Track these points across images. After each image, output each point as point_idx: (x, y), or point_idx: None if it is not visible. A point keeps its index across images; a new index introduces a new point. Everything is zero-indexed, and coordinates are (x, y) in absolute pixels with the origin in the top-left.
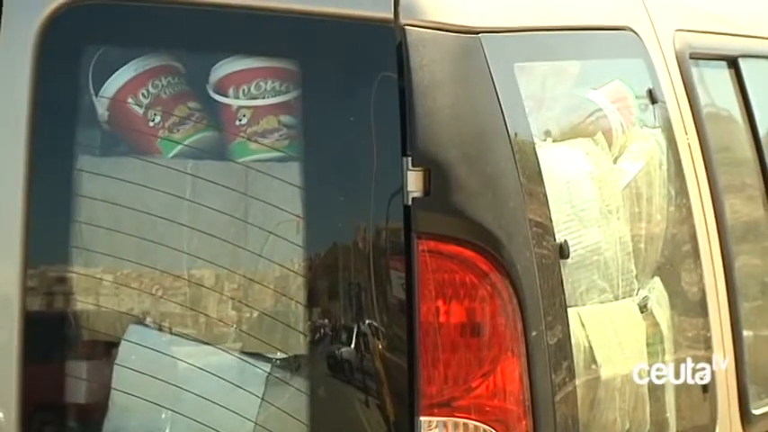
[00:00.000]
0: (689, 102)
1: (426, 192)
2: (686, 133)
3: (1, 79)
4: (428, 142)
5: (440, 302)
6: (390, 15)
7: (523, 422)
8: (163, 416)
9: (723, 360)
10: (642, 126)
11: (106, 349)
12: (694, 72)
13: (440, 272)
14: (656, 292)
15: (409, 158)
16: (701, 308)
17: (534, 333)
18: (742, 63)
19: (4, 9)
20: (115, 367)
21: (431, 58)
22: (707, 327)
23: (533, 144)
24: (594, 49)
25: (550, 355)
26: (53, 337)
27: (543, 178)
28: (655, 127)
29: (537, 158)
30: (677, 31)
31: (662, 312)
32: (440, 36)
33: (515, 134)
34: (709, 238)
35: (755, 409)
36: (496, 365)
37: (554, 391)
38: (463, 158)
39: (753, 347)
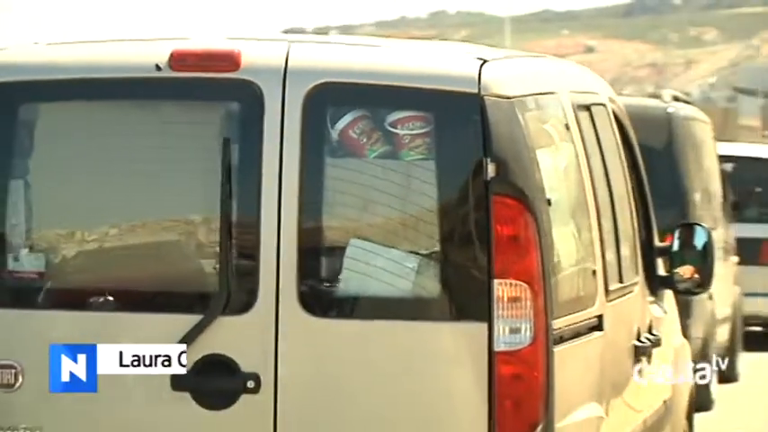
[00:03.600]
0: (578, 129)
1: (497, 174)
2: (578, 144)
3: (285, 131)
4: (497, 150)
5: (500, 225)
6: (476, 91)
7: (540, 283)
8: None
9: (598, 257)
10: (564, 141)
11: (343, 248)
12: (578, 114)
13: (502, 211)
14: (575, 220)
15: (489, 158)
16: (589, 231)
17: (543, 240)
18: (592, 108)
19: (288, 88)
20: (345, 259)
21: (496, 111)
22: (592, 241)
23: (535, 151)
24: (551, 103)
25: (548, 250)
26: (317, 250)
27: (540, 167)
28: (568, 141)
29: (537, 157)
30: (570, 92)
31: (577, 232)
32: (498, 101)
33: (530, 145)
34: (593, 196)
35: (610, 286)
36: (528, 255)
37: (550, 269)
38: (513, 158)
39: (607, 252)
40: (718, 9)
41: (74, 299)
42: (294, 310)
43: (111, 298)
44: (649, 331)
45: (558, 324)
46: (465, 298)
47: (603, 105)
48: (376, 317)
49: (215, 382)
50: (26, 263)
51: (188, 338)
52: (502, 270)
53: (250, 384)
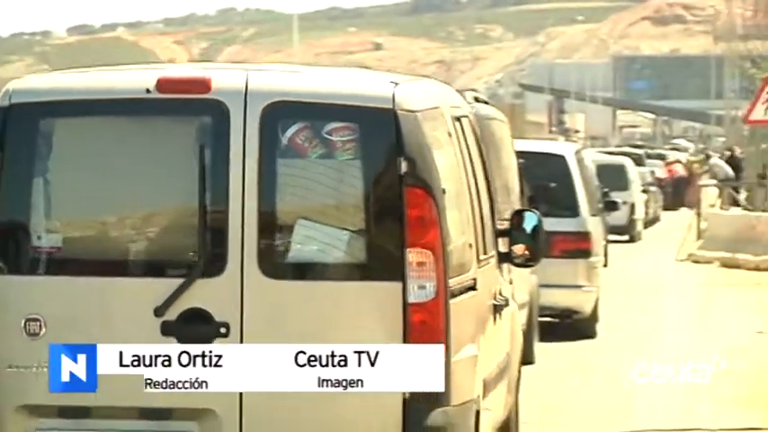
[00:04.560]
0: (456, 135)
1: (408, 169)
2: (456, 147)
3: (247, 139)
4: (408, 151)
5: (411, 208)
6: (392, 107)
7: (440, 251)
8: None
9: (472, 233)
10: (449, 144)
11: (291, 227)
12: (454, 124)
13: (412, 198)
14: (458, 205)
15: (401, 158)
16: (467, 213)
17: (442, 219)
18: (462, 119)
19: (248, 106)
20: (293, 235)
21: (406, 122)
22: (469, 221)
23: (433, 152)
24: (439, 116)
25: (445, 227)
26: (272, 228)
27: (436, 164)
28: (451, 145)
29: (434, 157)
30: (449, 107)
31: (460, 213)
32: (408, 114)
33: (430, 147)
34: (468, 187)
35: (480, 256)
36: (431, 230)
37: (447, 239)
38: (419, 157)
39: (477, 230)
40: (503, 6)
41: (84, 267)
42: (255, 274)
43: (114, 266)
44: (500, 294)
45: (451, 283)
46: (385, 263)
47: (467, 117)
48: (318, 278)
49: (195, 328)
50: (46, 241)
51: (174, 296)
52: (412, 242)
53: (222, 330)
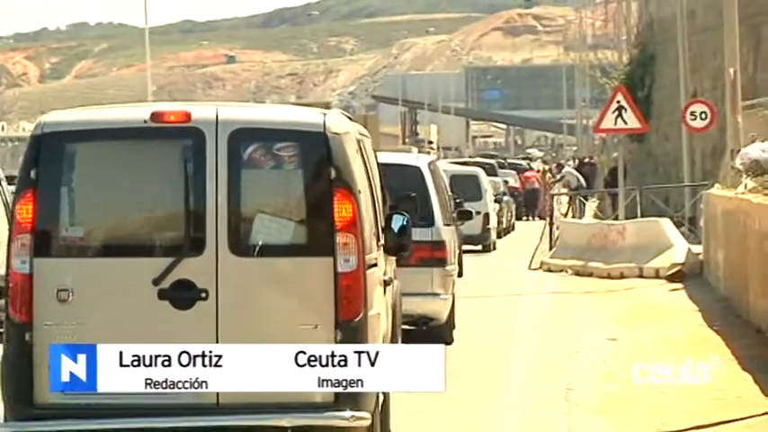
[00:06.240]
0: (361, 151)
1: (336, 175)
2: (362, 160)
3: (218, 155)
4: (336, 162)
5: (337, 203)
6: (323, 131)
7: (360, 234)
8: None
9: (375, 224)
10: (359, 158)
11: (252, 218)
12: (358, 142)
13: (339, 196)
14: (367, 202)
15: (331, 167)
16: (373, 208)
17: (360, 212)
18: (360, 140)
19: (218, 131)
20: (254, 224)
21: (333, 141)
22: (375, 214)
23: (352, 162)
24: (351, 137)
25: (362, 218)
26: (238, 220)
27: (354, 171)
28: (360, 158)
29: (354, 166)
30: (354, 131)
31: (369, 208)
32: (335, 135)
33: (350, 159)
34: (371, 189)
35: (379, 242)
36: (353, 219)
37: (363, 227)
38: (343, 166)
39: (377, 221)
40: (356, 18)
41: (100, 251)
42: (226, 253)
43: (123, 250)
44: (386, 273)
45: (366, 259)
46: (320, 244)
47: (363, 138)
48: (272, 255)
49: (183, 294)
50: (72, 232)
51: (167, 270)
52: (340, 228)
53: (203, 295)
